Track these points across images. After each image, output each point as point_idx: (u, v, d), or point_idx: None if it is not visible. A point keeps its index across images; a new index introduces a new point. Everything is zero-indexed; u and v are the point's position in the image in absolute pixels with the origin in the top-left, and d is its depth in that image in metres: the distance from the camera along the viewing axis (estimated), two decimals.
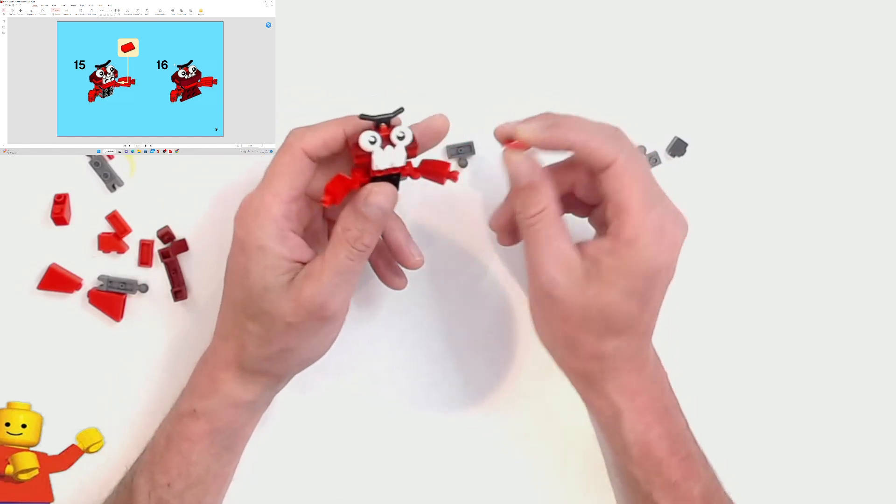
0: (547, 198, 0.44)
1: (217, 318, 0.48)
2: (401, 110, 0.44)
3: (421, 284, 0.54)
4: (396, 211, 0.47)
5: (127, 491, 0.48)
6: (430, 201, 0.55)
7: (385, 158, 0.43)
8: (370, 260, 0.50)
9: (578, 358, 0.45)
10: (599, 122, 0.44)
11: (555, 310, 0.43)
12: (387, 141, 0.43)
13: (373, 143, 0.43)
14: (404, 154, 0.43)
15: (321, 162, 0.45)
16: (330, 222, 0.49)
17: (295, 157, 0.44)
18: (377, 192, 0.43)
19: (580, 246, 0.43)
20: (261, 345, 0.45)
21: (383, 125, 0.43)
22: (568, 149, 0.43)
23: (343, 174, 0.44)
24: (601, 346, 0.43)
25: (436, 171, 0.46)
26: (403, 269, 0.50)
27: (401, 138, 0.43)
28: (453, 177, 0.46)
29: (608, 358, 0.44)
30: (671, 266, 0.43)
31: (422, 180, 0.46)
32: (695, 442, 0.47)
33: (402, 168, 0.44)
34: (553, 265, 0.43)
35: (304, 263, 0.45)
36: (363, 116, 0.43)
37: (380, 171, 0.43)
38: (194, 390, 0.48)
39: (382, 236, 0.49)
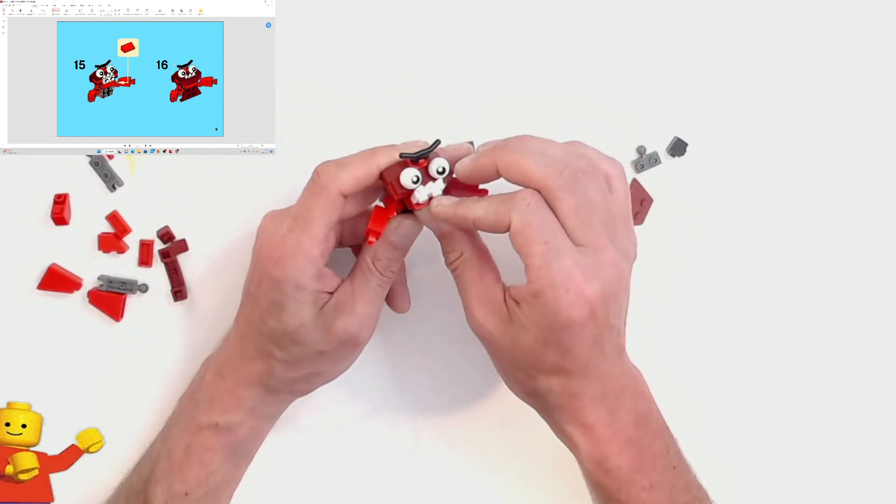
0: (463, 244, 0.45)
1: (233, 333, 0.48)
2: (437, 143, 0.44)
3: (422, 284, 0.54)
4: None
5: (140, 500, 0.48)
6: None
7: (424, 192, 0.44)
8: None
9: (520, 392, 0.46)
10: (550, 154, 0.43)
11: (488, 348, 0.45)
12: (426, 176, 0.43)
13: (416, 182, 0.43)
14: (443, 186, 0.44)
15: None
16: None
17: (330, 200, 0.44)
18: (407, 223, 0.45)
19: (510, 288, 0.44)
20: (289, 370, 0.46)
21: (421, 160, 0.43)
22: (471, 228, 0.44)
23: (381, 206, 0.45)
24: (534, 383, 0.44)
25: (465, 191, 0.45)
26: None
27: (441, 173, 0.44)
28: (482, 193, 0.46)
29: (545, 395, 0.44)
30: (587, 318, 0.41)
31: None
32: (673, 468, 0.46)
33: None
34: (477, 307, 0.44)
35: (332, 293, 0.46)
36: (403, 156, 0.43)
37: (420, 205, 0.44)
38: (214, 404, 0.48)
39: None
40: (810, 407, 0.56)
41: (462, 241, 0.45)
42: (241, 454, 0.49)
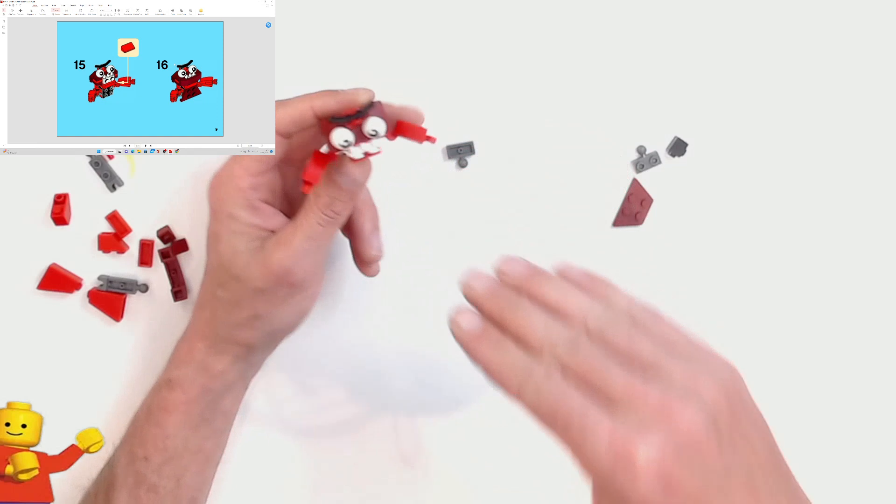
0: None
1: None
2: (371, 104, 0.42)
3: (421, 285, 0.54)
4: (387, 207, 0.48)
5: (108, 466, 0.49)
6: (429, 202, 0.55)
7: (359, 150, 0.42)
8: (350, 244, 0.50)
9: None
10: (569, 303, 0.37)
11: None
12: (360, 136, 0.42)
13: (346, 145, 0.42)
14: (378, 145, 0.42)
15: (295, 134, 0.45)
16: None
17: None
18: (351, 164, 0.43)
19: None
20: (230, 311, 0.46)
21: (354, 119, 0.42)
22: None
23: (319, 151, 0.44)
24: None
25: (412, 135, 0.44)
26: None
27: (374, 134, 0.42)
28: (431, 140, 0.44)
29: None
30: (666, 489, 0.31)
31: (418, 183, 0.46)
32: None
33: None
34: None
35: (275, 231, 0.45)
36: (333, 121, 0.42)
37: (357, 160, 0.43)
38: (172, 360, 0.49)
39: (351, 221, 0.49)
40: (810, 406, 0.56)
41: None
42: (199, 417, 0.48)
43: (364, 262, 0.49)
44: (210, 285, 0.47)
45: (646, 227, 0.56)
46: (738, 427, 0.33)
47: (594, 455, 0.32)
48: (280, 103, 0.44)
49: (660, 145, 0.56)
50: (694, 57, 0.57)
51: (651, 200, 0.56)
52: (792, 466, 0.56)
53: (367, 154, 0.42)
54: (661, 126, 0.56)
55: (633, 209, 0.56)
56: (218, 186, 0.45)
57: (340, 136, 0.42)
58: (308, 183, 0.43)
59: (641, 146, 0.56)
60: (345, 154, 0.42)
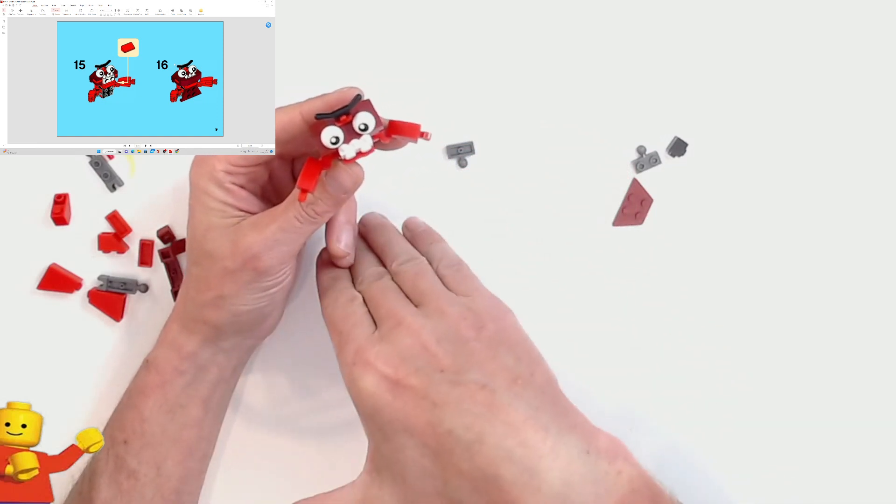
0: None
1: None
2: (358, 98, 0.42)
3: None
4: (387, 207, 0.49)
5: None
6: (429, 201, 0.55)
7: (352, 148, 0.42)
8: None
9: None
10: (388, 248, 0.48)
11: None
12: (351, 132, 0.41)
13: (335, 143, 0.41)
14: (370, 141, 0.42)
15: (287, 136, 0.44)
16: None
17: None
18: (343, 170, 0.43)
19: None
20: (200, 289, 0.46)
21: (343, 116, 0.41)
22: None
23: (313, 157, 0.43)
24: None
25: (406, 134, 0.43)
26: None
27: (363, 129, 0.41)
28: (425, 136, 0.43)
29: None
30: (392, 384, 0.41)
31: (418, 183, 0.46)
32: None
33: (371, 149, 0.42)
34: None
35: (251, 213, 0.46)
36: (319, 117, 0.42)
37: (349, 160, 0.42)
38: (153, 344, 0.50)
39: None
40: (809, 405, 0.56)
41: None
42: (173, 402, 0.48)
43: (331, 254, 0.49)
44: (188, 265, 0.48)
45: (646, 227, 0.56)
46: (488, 345, 0.41)
47: (346, 357, 0.41)
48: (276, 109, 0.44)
49: (660, 145, 0.56)
50: (694, 57, 0.57)
51: (651, 200, 0.56)
52: (791, 463, 0.56)
53: (359, 153, 0.42)
54: (661, 126, 0.56)
55: (633, 209, 0.56)
56: (196, 163, 0.46)
57: (330, 133, 0.41)
58: (304, 191, 0.43)
59: (641, 146, 0.56)
60: (339, 158, 0.42)
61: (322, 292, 0.47)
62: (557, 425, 0.39)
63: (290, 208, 0.44)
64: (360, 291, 0.46)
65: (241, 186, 0.46)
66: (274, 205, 0.47)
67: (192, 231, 0.46)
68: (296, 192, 0.44)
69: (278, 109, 0.44)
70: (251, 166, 0.45)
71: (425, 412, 0.39)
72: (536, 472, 0.37)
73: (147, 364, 0.49)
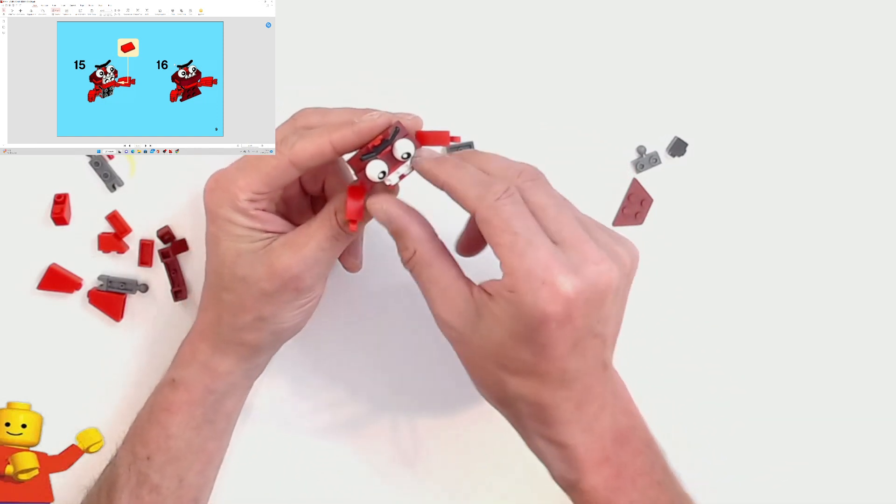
0: (415, 241, 0.42)
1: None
2: (397, 132, 0.42)
3: None
4: None
5: (111, 466, 0.49)
6: (429, 200, 0.55)
7: (395, 175, 0.43)
8: None
9: (492, 398, 0.43)
10: (502, 161, 0.43)
11: (457, 348, 0.43)
12: (392, 161, 0.42)
13: (382, 177, 0.42)
14: (409, 164, 0.43)
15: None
16: (315, 199, 0.49)
17: (280, 165, 0.43)
18: (385, 199, 0.43)
19: (485, 283, 0.41)
20: (236, 313, 0.46)
21: (383, 149, 0.42)
22: (442, 188, 0.42)
23: (353, 186, 0.44)
24: (505, 387, 0.41)
25: (436, 142, 0.44)
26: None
27: (406, 156, 0.42)
28: (456, 139, 0.44)
29: (516, 401, 0.41)
30: (564, 317, 0.38)
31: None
32: (658, 484, 0.43)
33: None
34: (440, 305, 0.42)
35: (278, 233, 0.45)
36: (364, 159, 0.42)
37: (393, 186, 0.43)
38: (175, 361, 0.49)
39: None
40: (809, 404, 0.56)
41: (414, 238, 0.42)
42: (202, 418, 0.48)
43: (345, 266, 0.50)
44: (214, 288, 0.47)
45: (646, 227, 0.56)
46: (623, 296, 0.41)
47: (529, 268, 0.37)
48: (299, 136, 0.44)
49: (660, 145, 0.56)
50: (694, 57, 0.57)
51: (651, 200, 0.56)
52: (790, 462, 0.56)
53: (402, 177, 0.43)
54: (661, 126, 0.56)
55: (633, 209, 0.56)
56: (215, 189, 0.45)
57: (376, 168, 0.42)
58: (353, 221, 0.43)
59: (641, 146, 0.56)
60: (382, 183, 0.43)
61: (453, 181, 0.42)
62: None
63: (326, 227, 0.44)
64: (514, 185, 0.41)
65: (264, 209, 0.45)
66: (284, 214, 0.47)
67: (218, 258, 0.45)
68: (328, 209, 0.44)
69: (307, 135, 0.43)
70: (274, 191, 0.45)
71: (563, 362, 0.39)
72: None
73: (174, 383, 0.48)
